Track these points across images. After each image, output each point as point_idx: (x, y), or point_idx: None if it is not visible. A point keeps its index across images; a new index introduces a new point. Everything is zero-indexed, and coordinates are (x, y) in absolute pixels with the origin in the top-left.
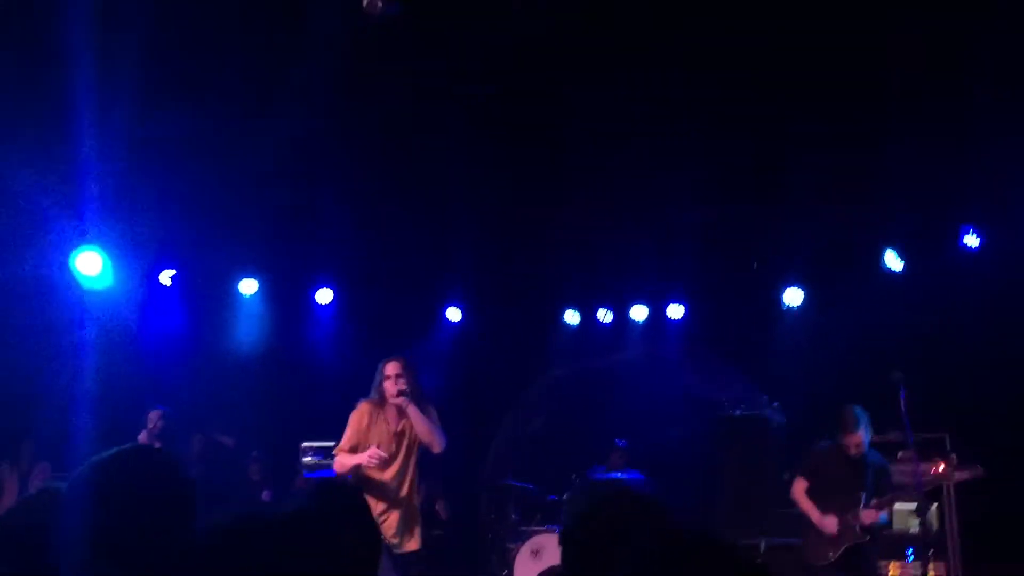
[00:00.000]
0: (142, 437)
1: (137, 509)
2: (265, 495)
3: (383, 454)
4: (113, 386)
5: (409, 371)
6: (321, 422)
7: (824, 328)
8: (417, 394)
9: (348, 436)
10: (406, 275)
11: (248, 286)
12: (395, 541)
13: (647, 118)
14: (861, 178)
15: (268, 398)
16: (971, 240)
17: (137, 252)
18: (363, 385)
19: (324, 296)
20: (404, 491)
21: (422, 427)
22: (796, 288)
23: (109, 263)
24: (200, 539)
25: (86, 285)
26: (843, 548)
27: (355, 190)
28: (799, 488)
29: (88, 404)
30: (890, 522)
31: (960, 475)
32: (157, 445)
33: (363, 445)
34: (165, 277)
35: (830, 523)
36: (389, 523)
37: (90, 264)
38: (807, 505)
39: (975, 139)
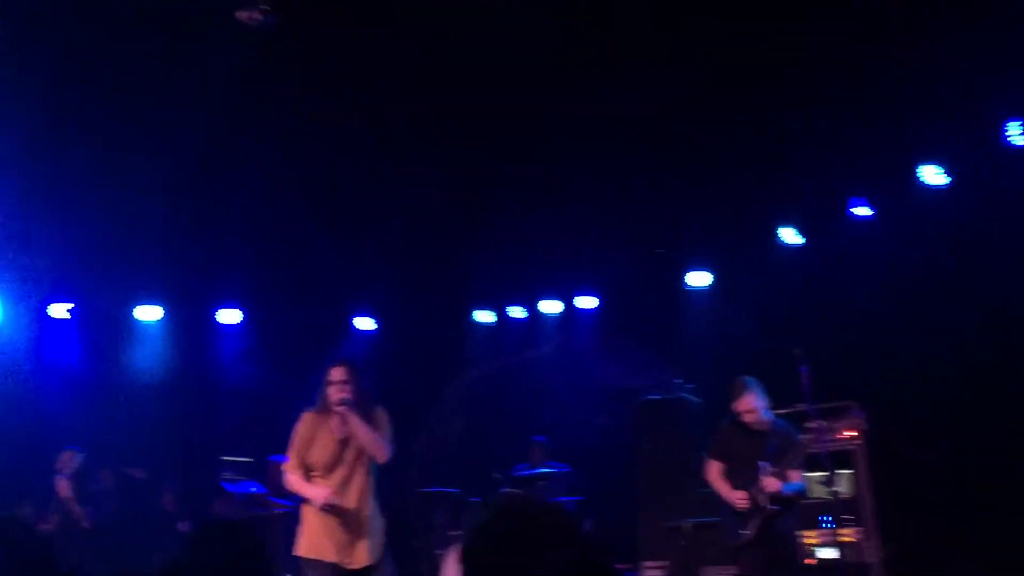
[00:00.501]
0: (60, 481)
1: None
2: (181, 526)
3: (335, 501)
4: (10, 426)
5: (354, 376)
6: (237, 442)
7: (731, 307)
8: (362, 400)
9: (293, 449)
10: (313, 288)
11: (149, 312)
12: (342, 557)
13: (550, 115)
14: (755, 157)
15: (179, 425)
16: (862, 211)
17: (30, 288)
18: (277, 402)
19: (229, 316)
20: (351, 503)
21: (363, 436)
22: (701, 271)
23: (0, 301)
24: None
25: None
26: (758, 523)
27: (253, 205)
28: (712, 470)
29: None
30: (805, 491)
31: (839, 423)
32: (66, 486)
33: (308, 456)
34: (61, 310)
35: (739, 498)
36: (335, 538)
37: None
38: (719, 484)
39: (863, 111)
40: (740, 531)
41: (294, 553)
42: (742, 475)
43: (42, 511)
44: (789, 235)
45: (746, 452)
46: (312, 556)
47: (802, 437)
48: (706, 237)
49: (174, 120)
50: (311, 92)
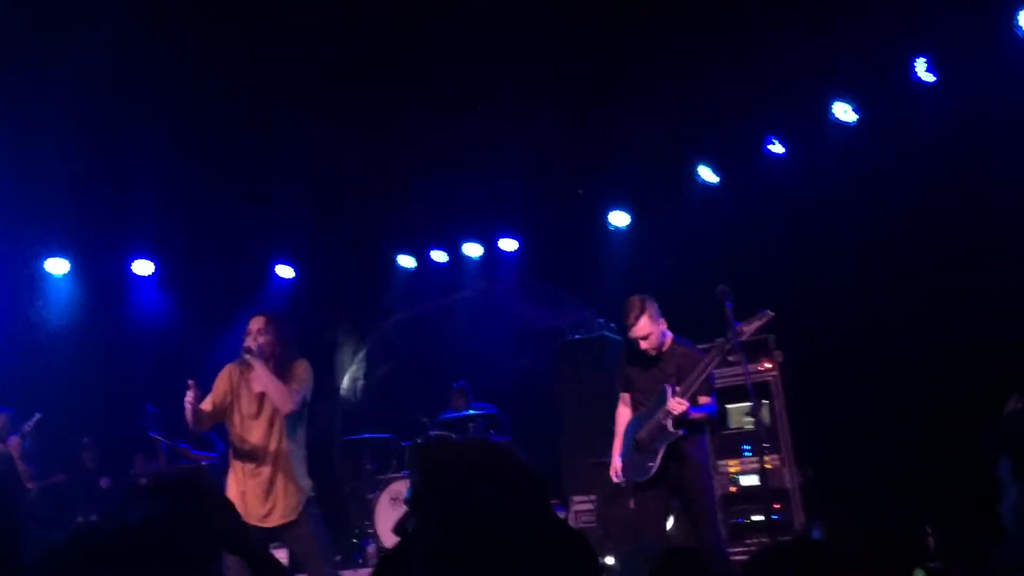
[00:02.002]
0: (13, 442)
1: None
2: (103, 482)
3: (190, 398)
4: None
5: (272, 326)
6: (157, 396)
7: (651, 246)
8: (280, 352)
9: (208, 397)
10: (231, 236)
11: (57, 265)
12: (261, 512)
13: (469, 55)
14: (672, 95)
15: (95, 379)
16: (776, 148)
17: None
18: (197, 353)
19: (144, 268)
20: (269, 457)
21: (267, 385)
22: (621, 211)
23: None
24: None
25: None
26: (660, 452)
27: (167, 152)
28: (620, 405)
29: None
30: (716, 414)
31: (750, 327)
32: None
33: (222, 406)
34: None
35: (613, 472)
36: (252, 492)
37: None
38: (618, 420)
39: (776, 49)
40: (643, 464)
41: None
42: (645, 404)
43: None
44: (707, 173)
45: (648, 379)
46: None
47: (708, 356)
48: (625, 176)
49: (78, 65)
50: (226, 31)
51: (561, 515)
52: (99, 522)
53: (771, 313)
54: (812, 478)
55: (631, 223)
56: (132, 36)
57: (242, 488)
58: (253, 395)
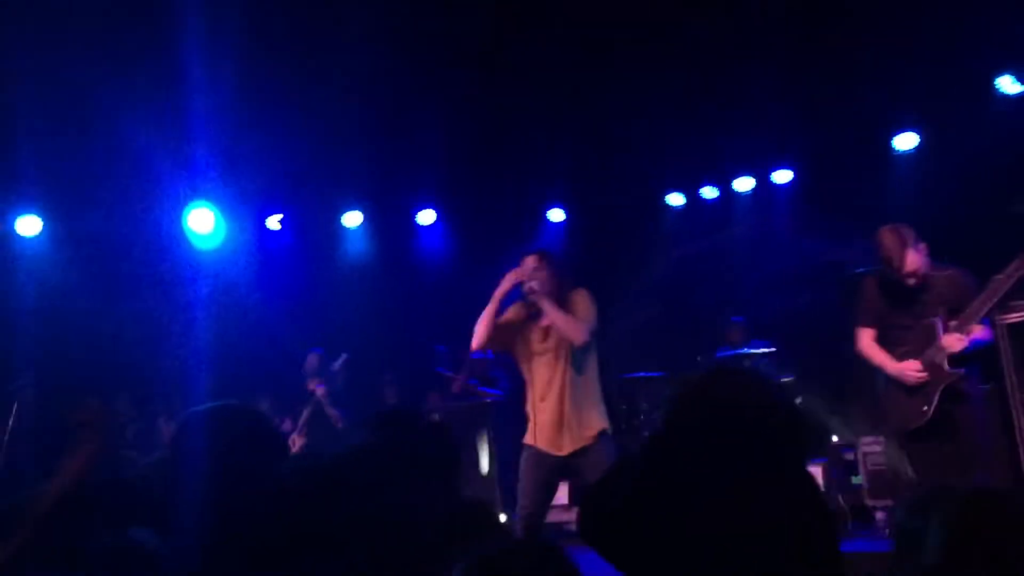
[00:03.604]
0: (320, 391)
1: (235, 456)
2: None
3: (531, 284)
4: (232, 339)
5: (547, 263)
6: (441, 336)
7: (941, 170)
8: (557, 287)
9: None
10: (505, 185)
11: (352, 219)
12: (555, 442)
13: None
14: None
15: (386, 319)
16: None
17: (246, 207)
18: (477, 297)
19: (427, 217)
20: (559, 390)
21: (557, 319)
22: (908, 132)
23: (222, 219)
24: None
25: (198, 243)
26: (936, 395)
27: (443, 100)
28: (864, 339)
29: (204, 358)
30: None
31: None
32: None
33: (511, 329)
34: (273, 222)
35: (913, 369)
36: (545, 423)
37: (202, 221)
38: (879, 357)
39: None
40: (913, 411)
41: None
42: (904, 341)
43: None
44: (1007, 83)
45: (907, 313)
46: (527, 442)
47: (995, 282)
48: (912, 93)
49: (367, 26)
50: None
51: (849, 457)
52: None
53: None
54: None
55: (919, 145)
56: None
57: (536, 420)
58: (540, 329)
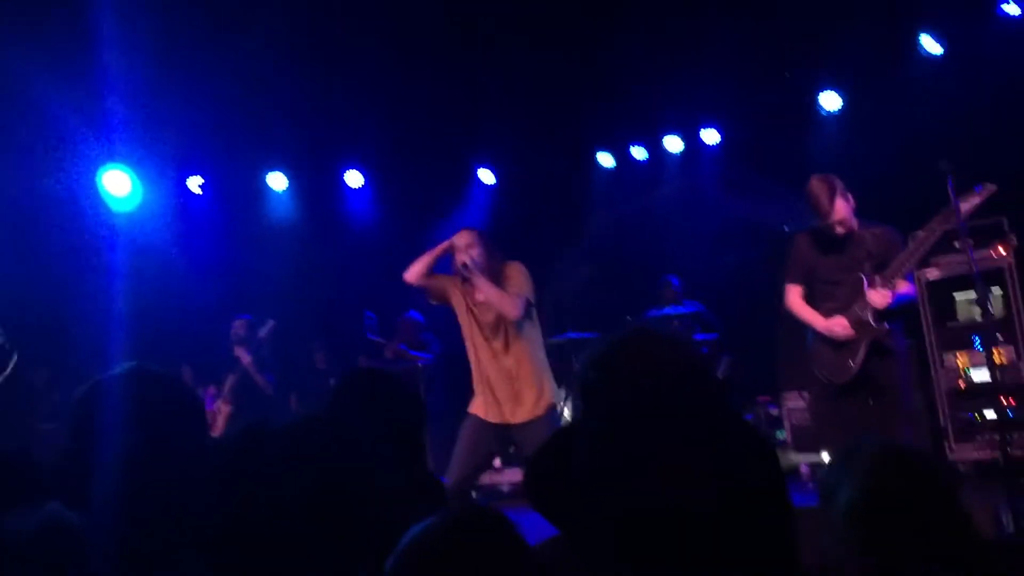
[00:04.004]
0: (246, 360)
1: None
2: (334, 381)
3: (464, 260)
4: (151, 305)
5: (480, 239)
6: (370, 299)
7: (866, 130)
8: (490, 262)
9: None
10: (433, 142)
11: (277, 180)
12: (502, 413)
13: None
14: None
15: (317, 283)
16: (1010, 8)
17: (164, 168)
18: (409, 258)
19: (355, 179)
20: (499, 363)
21: (490, 295)
22: (832, 91)
23: (138, 182)
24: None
25: (114, 206)
26: (863, 349)
27: (374, 69)
28: (793, 296)
29: (122, 325)
30: (917, 300)
31: (968, 204)
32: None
33: (442, 285)
34: (194, 184)
35: (840, 325)
36: (493, 396)
37: (118, 183)
38: (806, 312)
39: None
40: (840, 366)
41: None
42: (833, 297)
43: (205, 378)
44: (930, 43)
45: (836, 268)
46: (473, 411)
47: (919, 237)
48: (837, 55)
49: None
50: None
51: (773, 412)
52: (255, 424)
53: (992, 187)
54: None
55: (844, 106)
56: None
57: (483, 392)
58: (478, 305)
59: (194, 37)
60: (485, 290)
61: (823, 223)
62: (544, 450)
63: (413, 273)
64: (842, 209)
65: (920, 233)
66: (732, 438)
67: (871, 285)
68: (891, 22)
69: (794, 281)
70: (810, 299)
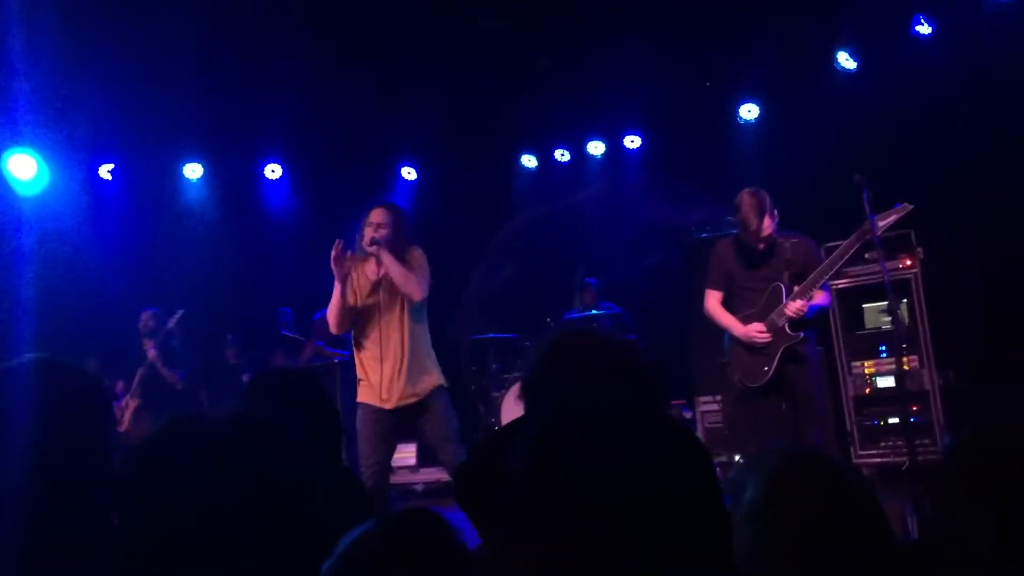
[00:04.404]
0: (151, 354)
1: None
2: (245, 377)
3: (374, 235)
4: (68, 292)
5: (393, 218)
6: (288, 295)
7: (783, 139)
8: (399, 242)
9: (346, 293)
10: (355, 138)
11: (193, 170)
12: (393, 396)
13: None
14: None
15: (232, 277)
16: (923, 28)
17: (73, 151)
18: (324, 255)
19: (274, 171)
20: (393, 343)
21: (396, 273)
22: (751, 103)
23: (45, 167)
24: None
25: (20, 191)
26: (777, 356)
27: (295, 58)
28: (713, 301)
29: (28, 313)
30: (829, 310)
31: (886, 221)
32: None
33: (358, 300)
34: (104, 171)
35: (758, 331)
36: (383, 378)
37: (24, 167)
38: (725, 319)
39: None
40: (755, 370)
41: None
42: (751, 303)
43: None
44: (845, 59)
45: (755, 276)
46: (364, 400)
47: (838, 251)
48: (756, 66)
49: None
50: None
51: (687, 415)
52: (194, 415)
53: (909, 206)
54: (953, 381)
55: (761, 115)
56: None
57: (370, 376)
58: (371, 283)
59: (107, 20)
60: (392, 268)
61: (747, 236)
62: (475, 451)
63: (336, 327)
64: (769, 227)
65: (840, 246)
66: (669, 438)
67: (788, 294)
68: (809, 38)
69: (714, 287)
70: (728, 305)
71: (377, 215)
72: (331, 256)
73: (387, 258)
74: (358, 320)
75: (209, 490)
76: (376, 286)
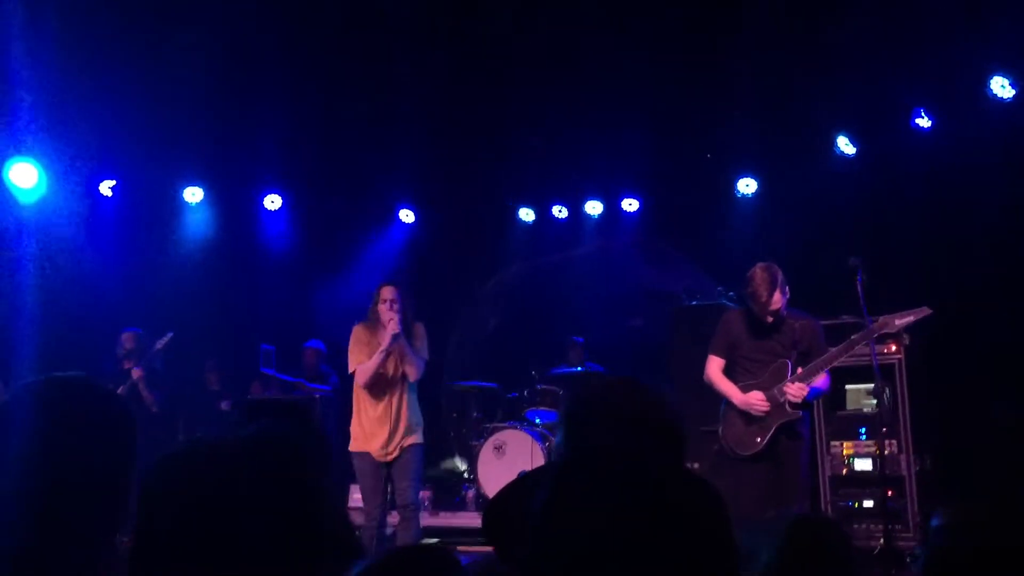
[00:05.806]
0: (136, 373)
1: (73, 438)
2: (224, 404)
3: (397, 330)
4: (57, 303)
5: (403, 296)
6: (276, 326)
7: (778, 216)
8: (405, 320)
9: (359, 351)
10: (357, 177)
11: (193, 194)
12: (385, 449)
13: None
14: (814, 58)
15: (221, 304)
16: (923, 122)
17: (75, 164)
18: (320, 288)
19: (273, 202)
20: (394, 407)
21: (406, 358)
22: (749, 177)
23: (44, 175)
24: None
25: (21, 198)
26: (772, 429)
27: (299, 93)
28: (714, 367)
29: (29, 322)
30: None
31: (903, 321)
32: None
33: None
34: (105, 188)
35: (759, 400)
36: (383, 436)
37: (25, 176)
38: (725, 385)
39: (929, 16)
40: (748, 439)
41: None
42: (754, 374)
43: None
44: (844, 144)
45: (760, 349)
46: (362, 449)
47: (844, 344)
48: (757, 143)
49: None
50: None
51: None
52: (204, 437)
53: (928, 310)
54: (930, 467)
55: (758, 191)
56: None
57: (368, 429)
58: (383, 353)
59: (115, 41)
60: (406, 356)
61: (757, 308)
62: (508, 488)
63: (368, 383)
64: (779, 301)
65: (847, 344)
66: (694, 496)
67: (792, 374)
68: (811, 120)
69: (717, 353)
70: (729, 373)
71: (389, 292)
72: (391, 332)
73: (405, 348)
74: (368, 379)
75: (233, 501)
76: (387, 355)
